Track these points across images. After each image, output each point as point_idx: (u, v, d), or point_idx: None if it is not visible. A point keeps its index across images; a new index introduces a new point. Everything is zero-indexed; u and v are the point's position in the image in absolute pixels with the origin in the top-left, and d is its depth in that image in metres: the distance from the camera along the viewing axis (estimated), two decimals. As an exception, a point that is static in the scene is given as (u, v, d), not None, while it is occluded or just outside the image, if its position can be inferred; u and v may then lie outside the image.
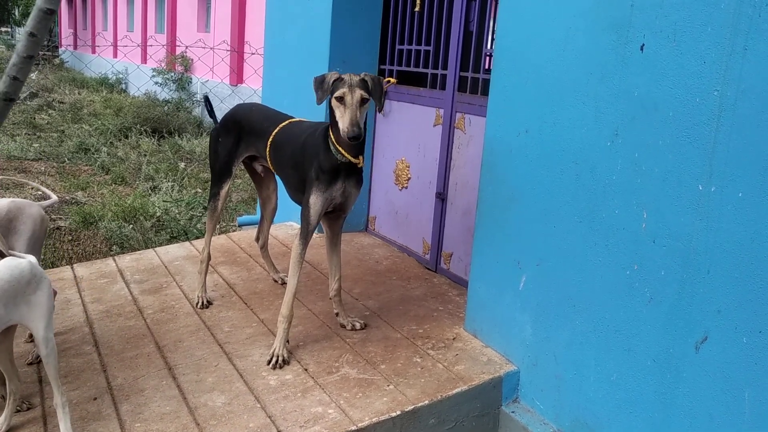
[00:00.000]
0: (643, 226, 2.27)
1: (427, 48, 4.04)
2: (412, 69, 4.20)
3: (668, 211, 2.19)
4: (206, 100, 3.80)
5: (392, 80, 4.29)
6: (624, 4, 2.31)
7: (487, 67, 3.73)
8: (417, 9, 4.08)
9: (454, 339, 3.10)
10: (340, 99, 2.71)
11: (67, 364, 2.85)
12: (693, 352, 2.12)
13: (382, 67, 4.45)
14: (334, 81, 2.74)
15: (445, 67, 3.89)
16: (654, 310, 2.25)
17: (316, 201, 2.90)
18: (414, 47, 4.15)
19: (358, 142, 2.75)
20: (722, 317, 2.03)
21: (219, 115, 3.59)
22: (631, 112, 2.31)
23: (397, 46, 4.31)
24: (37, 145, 10.02)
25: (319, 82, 2.80)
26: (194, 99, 14.77)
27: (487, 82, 3.38)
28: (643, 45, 2.25)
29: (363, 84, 2.74)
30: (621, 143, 2.35)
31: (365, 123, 2.85)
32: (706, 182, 2.06)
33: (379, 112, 2.78)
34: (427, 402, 2.60)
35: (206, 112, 3.80)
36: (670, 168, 2.18)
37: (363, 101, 2.72)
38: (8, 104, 1.65)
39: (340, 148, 2.85)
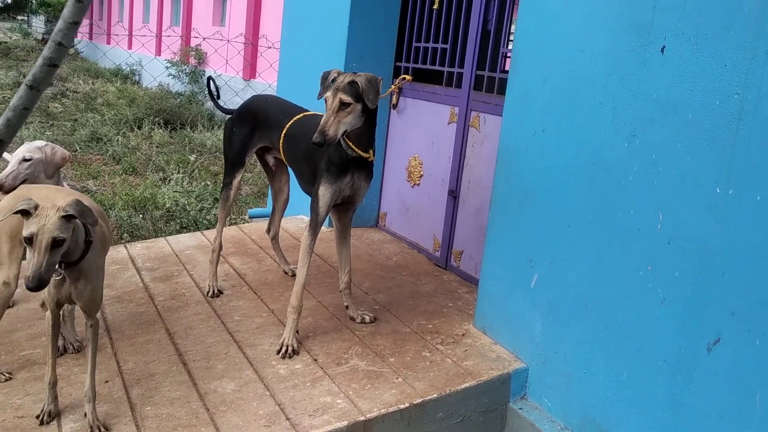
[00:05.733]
0: (658, 227, 2.28)
1: (444, 46, 4.04)
2: (428, 66, 4.21)
3: (684, 213, 2.19)
4: (209, 81, 3.77)
5: (408, 77, 4.30)
6: (646, 5, 2.31)
7: (504, 67, 3.73)
8: (435, 7, 4.09)
9: (463, 335, 3.11)
10: (325, 101, 2.72)
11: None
12: (705, 354, 2.13)
13: (398, 64, 4.46)
14: (332, 79, 2.75)
15: (461, 66, 3.89)
16: (667, 311, 2.25)
17: (325, 192, 2.92)
18: (431, 45, 4.16)
19: (321, 148, 2.74)
20: (736, 319, 2.04)
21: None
22: (650, 113, 2.31)
23: (414, 44, 4.32)
24: (50, 132, 10.08)
25: (323, 78, 2.83)
26: (206, 92, 14.80)
27: (503, 81, 3.39)
28: (664, 47, 2.26)
29: (351, 87, 2.69)
30: (638, 144, 2.35)
31: (371, 123, 2.85)
32: (724, 185, 2.07)
33: (370, 108, 2.74)
34: (435, 395, 2.61)
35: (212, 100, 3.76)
36: (688, 170, 2.18)
37: (342, 106, 2.68)
38: (52, 70, 1.67)
39: (349, 143, 2.87)
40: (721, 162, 2.08)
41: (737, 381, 2.03)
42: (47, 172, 3.02)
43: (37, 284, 1.98)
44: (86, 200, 2.52)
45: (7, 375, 2.65)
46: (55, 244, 2.02)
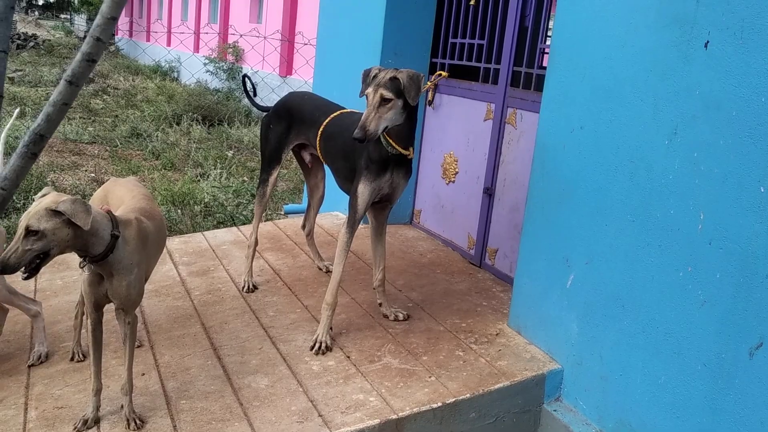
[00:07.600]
0: (699, 227, 2.22)
1: (481, 42, 4.01)
2: (464, 63, 4.17)
3: (727, 213, 2.13)
4: (245, 79, 3.80)
5: (444, 74, 4.27)
6: (689, -1, 2.25)
7: (541, 63, 3.68)
8: (472, 2, 4.05)
9: (497, 334, 3.08)
10: (366, 96, 2.72)
11: (117, 339, 2.92)
12: (746, 358, 2.07)
13: (434, 60, 4.43)
14: (374, 76, 2.75)
15: (498, 62, 3.85)
16: (707, 314, 2.19)
17: (364, 190, 2.92)
18: (467, 41, 4.12)
19: (361, 143, 2.74)
20: (780, 323, 1.98)
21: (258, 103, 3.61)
22: (692, 110, 2.25)
23: (450, 40, 4.29)
24: (92, 128, 10.29)
25: (364, 75, 2.84)
26: (243, 89, 14.93)
27: (540, 77, 3.35)
28: (708, 42, 2.20)
29: (392, 83, 2.69)
30: (680, 142, 2.29)
31: (412, 119, 2.84)
32: (769, 184, 2.00)
33: (411, 104, 2.75)
34: (468, 395, 2.60)
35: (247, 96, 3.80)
36: (731, 169, 2.12)
37: (384, 102, 2.68)
38: (90, 65, 1.69)
39: (389, 140, 2.86)
40: (766, 161, 2.02)
41: (781, 387, 1.97)
42: None
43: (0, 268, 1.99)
44: (148, 201, 2.55)
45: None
46: (29, 232, 1.99)
